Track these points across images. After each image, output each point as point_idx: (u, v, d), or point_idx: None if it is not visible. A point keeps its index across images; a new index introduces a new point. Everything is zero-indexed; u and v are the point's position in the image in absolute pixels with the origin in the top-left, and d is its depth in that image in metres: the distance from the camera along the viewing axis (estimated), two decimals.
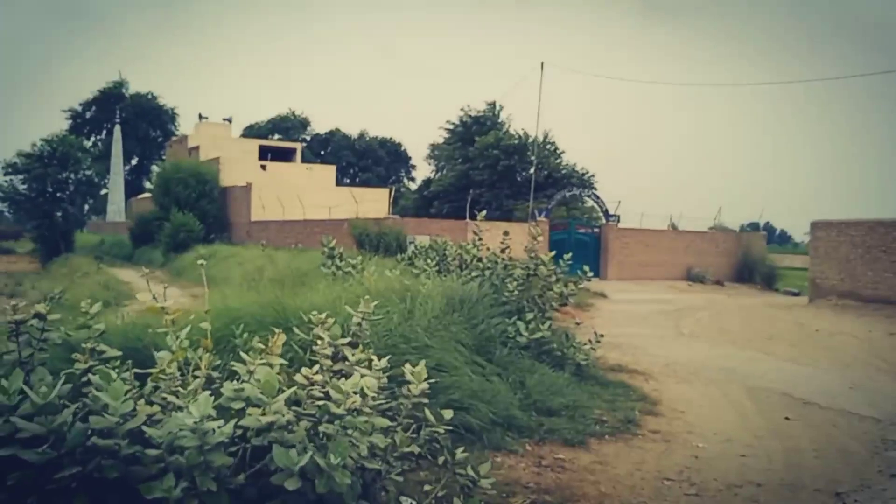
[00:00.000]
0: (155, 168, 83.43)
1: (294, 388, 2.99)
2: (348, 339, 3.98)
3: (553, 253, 10.04)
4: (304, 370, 3.23)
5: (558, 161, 44.10)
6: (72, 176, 39.54)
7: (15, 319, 3.39)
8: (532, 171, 36.04)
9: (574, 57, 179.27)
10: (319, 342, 3.83)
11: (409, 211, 45.48)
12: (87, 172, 41.10)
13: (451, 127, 50.98)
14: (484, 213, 10.83)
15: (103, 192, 68.05)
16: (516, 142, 43.36)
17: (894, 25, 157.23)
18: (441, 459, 3.85)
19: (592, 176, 44.61)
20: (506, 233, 10.75)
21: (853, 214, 28.33)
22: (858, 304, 20.64)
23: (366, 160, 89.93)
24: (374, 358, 3.63)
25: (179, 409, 3.23)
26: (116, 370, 3.63)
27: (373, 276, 10.38)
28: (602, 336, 9.46)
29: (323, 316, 4.05)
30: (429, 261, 10.85)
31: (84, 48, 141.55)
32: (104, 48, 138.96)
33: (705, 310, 21.06)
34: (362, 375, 3.35)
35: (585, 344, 9.12)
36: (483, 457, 5.18)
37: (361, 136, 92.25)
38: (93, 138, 77.67)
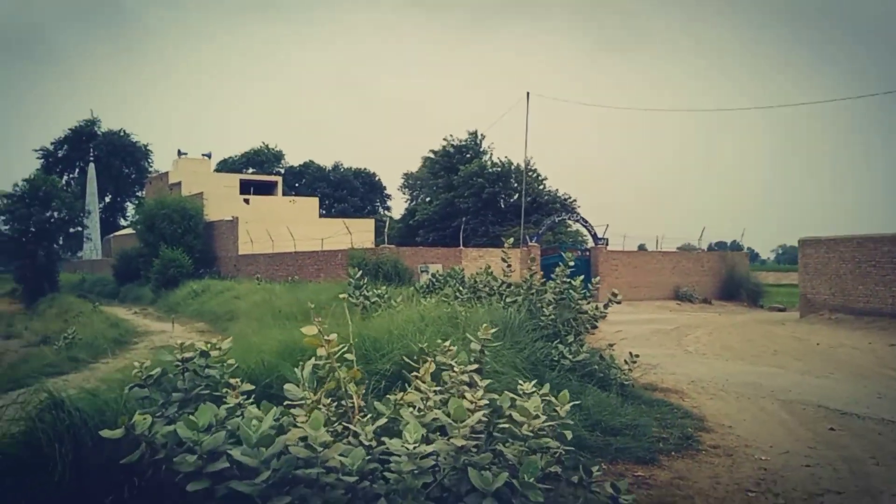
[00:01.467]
0: (130, 205, 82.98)
1: (480, 413, 3.13)
2: (476, 366, 4.12)
3: (581, 277, 10.28)
4: (468, 395, 3.37)
5: (541, 187, 44.69)
6: (54, 215, 39.24)
7: (183, 357, 3.50)
8: (521, 197, 36.50)
9: (543, 85, 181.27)
10: (454, 370, 3.97)
11: (395, 240, 45.66)
12: (69, 211, 40.79)
13: (433, 156, 51.39)
14: (511, 240, 11.03)
15: (71, 230, 67.31)
16: (499, 169, 43.89)
17: (864, 54, 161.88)
18: (576, 478, 3.99)
19: (574, 201, 45.28)
20: (533, 259, 10.96)
21: (820, 231, 29.24)
22: (851, 318, 21.12)
23: (341, 191, 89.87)
24: (520, 382, 3.78)
25: (350, 436, 3.36)
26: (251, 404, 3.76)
27: (400, 305, 10.55)
28: (637, 356, 9.64)
29: (447, 344, 4.19)
30: (461, 288, 11.01)
31: (53, 88, 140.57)
32: (72, 87, 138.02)
33: (701, 328, 21.40)
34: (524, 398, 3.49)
35: (624, 365, 9.30)
36: None
37: (336, 167, 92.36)
38: (65, 177, 77.04)
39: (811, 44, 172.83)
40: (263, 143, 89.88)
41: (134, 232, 46.73)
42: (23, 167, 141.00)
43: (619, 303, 10.22)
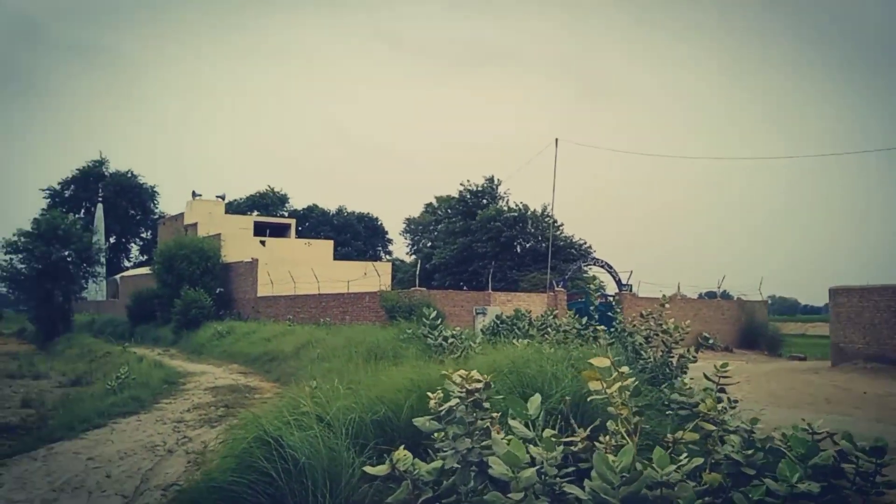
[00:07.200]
0: (134, 246, 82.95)
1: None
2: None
3: (672, 319, 10.24)
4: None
5: (559, 232, 44.87)
6: (72, 254, 38.88)
7: (473, 388, 3.44)
8: (538, 242, 36.66)
9: (533, 129, 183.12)
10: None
11: (407, 283, 45.64)
12: (87, 250, 40.58)
13: (436, 203, 51.85)
14: (597, 281, 11.06)
15: (88, 269, 66.91)
16: (516, 214, 44.10)
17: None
18: None
19: (590, 247, 45.46)
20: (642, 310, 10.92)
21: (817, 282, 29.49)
22: (887, 367, 21.05)
23: (344, 235, 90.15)
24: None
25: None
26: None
27: (479, 347, 10.48)
28: (737, 402, 9.54)
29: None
30: (550, 330, 10.97)
31: (57, 129, 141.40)
32: (73, 127, 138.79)
33: (735, 376, 21.28)
34: None
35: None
36: None
37: (340, 211, 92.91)
38: (71, 216, 76.86)
39: (822, 95, 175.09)
40: (269, 186, 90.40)
41: (144, 272, 46.56)
42: (22, 207, 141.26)
43: (712, 347, 10.17)
